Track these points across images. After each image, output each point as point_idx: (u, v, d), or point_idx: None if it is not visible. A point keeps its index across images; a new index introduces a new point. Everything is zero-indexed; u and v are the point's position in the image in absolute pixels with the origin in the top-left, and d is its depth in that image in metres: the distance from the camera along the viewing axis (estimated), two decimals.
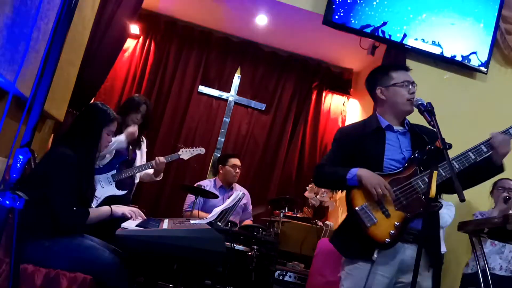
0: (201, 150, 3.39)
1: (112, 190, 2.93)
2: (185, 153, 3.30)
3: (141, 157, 3.19)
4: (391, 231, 1.75)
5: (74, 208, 1.99)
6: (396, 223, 1.77)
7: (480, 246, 2.42)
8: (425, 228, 1.72)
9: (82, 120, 2.19)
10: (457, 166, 1.81)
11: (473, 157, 1.82)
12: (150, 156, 3.35)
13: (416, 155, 1.88)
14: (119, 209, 2.17)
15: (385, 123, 1.96)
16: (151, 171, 3.17)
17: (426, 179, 1.78)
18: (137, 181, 3.22)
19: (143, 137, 3.29)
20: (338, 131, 2.11)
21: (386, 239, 1.74)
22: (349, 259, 1.88)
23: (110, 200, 2.89)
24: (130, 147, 3.11)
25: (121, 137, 2.93)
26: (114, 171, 2.96)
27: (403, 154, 1.91)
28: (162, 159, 3.10)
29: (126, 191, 3.03)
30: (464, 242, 3.34)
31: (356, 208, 1.80)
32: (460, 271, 3.22)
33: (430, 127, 1.96)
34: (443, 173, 1.80)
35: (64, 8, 1.39)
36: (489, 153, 1.83)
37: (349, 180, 1.84)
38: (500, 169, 1.87)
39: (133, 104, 3.11)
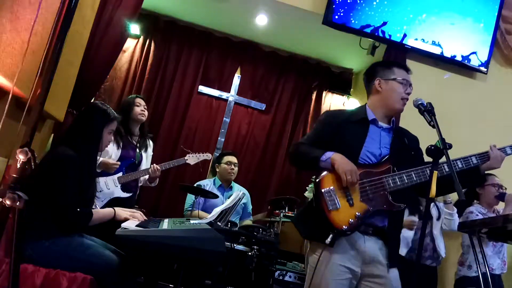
0: (208, 156, 3.40)
1: (117, 192, 2.95)
2: (191, 158, 3.31)
3: (146, 160, 3.20)
4: (351, 220, 1.78)
5: (78, 209, 1.99)
6: (357, 213, 1.79)
7: (480, 246, 2.42)
8: (390, 226, 1.84)
9: (82, 120, 2.19)
10: (415, 178, 1.84)
11: (460, 165, 1.87)
12: (152, 158, 3.34)
13: (394, 155, 1.91)
14: (122, 213, 2.18)
15: (372, 116, 1.98)
16: (147, 176, 3.18)
17: (397, 180, 1.83)
18: (140, 184, 3.23)
19: (150, 140, 3.29)
20: (324, 113, 2.12)
21: (344, 226, 1.77)
22: (309, 248, 1.91)
23: (115, 202, 2.91)
24: (138, 151, 3.11)
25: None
26: (120, 174, 2.98)
27: (381, 150, 1.93)
28: (157, 166, 3.09)
29: (131, 193, 3.05)
30: (456, 242, 3.36)
31: (323, 190, 1.81)
32: (452, 270, 3.23)
33: (413, 134, 2.05)
34: (414, 177, 1.83)
35: (64, 8, 1.39)
36: (478, 164, 1.88)
37: (322, 161, 1.84)
38: (483, 179, 1.91)
39: (127, 103, 3.13)
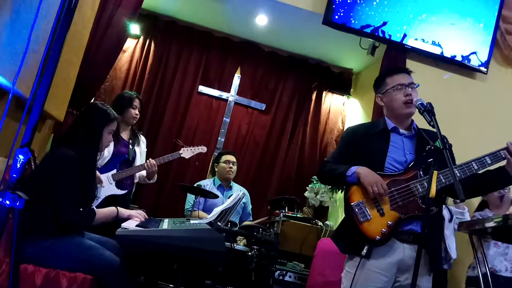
0: (203, 149, 3.36)
1: (112, 189, 2.92)
2: (186, 152, 3.27)
3: (140, 156, 3.17)
4: (383, 230, 1.80)
5: (81, 209, 1.99)
6: (389, 222, 1.81)
7: (481, 247, 2.42)
8: (424, 230, 1.75)
9: (82, 120, 2.19)
10: (458, 174, 1.83)
11: (458, 174, 1.84)
12: (150, 156, 3.33)
13: (419, 159, 1.90)
14: (125, 211, 2.18)
15: (391, 125, 2.00)
16: (144, 173, 3.14)
17: (425, 184, 1.82)
18: (136, 180, 3.20)
19: (142, 136, 3.27)
20: (346, 130, 2.17)
21: (377, 237, 1.79)
22: (348, 256, 1.94)
23: (110, 200, 2.88)
24: (131, 147, 3.09)
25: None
26: (114, 171, 2.95)
27: (406, 157, 1.94)
28: (153, 161, 3.04)
29: (126, 191, 3.02)
30: (469, 243, 3.33)
31: (352, 204, 1.85)
32: (465, 272, 3.22)
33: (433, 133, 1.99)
34: (443, 179, 1.82)
35: (64, 8, 1.39)
36: (493, 164, 1.86)
37: (349, 177, 1.88)
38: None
39: (125, 100, 3.07)
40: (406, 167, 1.91)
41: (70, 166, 1.98)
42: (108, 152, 2.93)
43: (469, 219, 3.10)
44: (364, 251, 1.79)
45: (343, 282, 1.91)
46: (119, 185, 2.96)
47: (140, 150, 3.18)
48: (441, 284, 3.13)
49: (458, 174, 1.83)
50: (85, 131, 2.12)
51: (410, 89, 1.97)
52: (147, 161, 3.05)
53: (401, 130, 2.00)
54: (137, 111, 3.10)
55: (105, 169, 2.92)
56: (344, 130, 2.20)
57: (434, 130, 1.73)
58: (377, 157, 1.93)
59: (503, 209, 3.07)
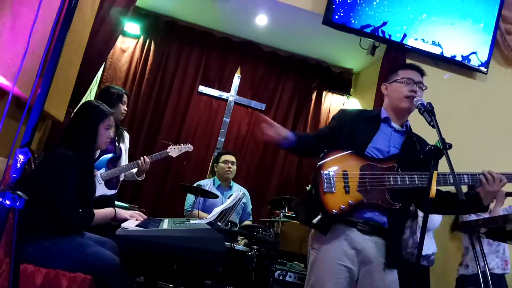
0: (189, 147, 3.36)
1: (102, 189, 2.85)
2: (173, 151, 3.26)
3: (125, 152, 3.13)
4: (342, 206, 1.77)
5: (80, 210, 1.99)
6: (350, 201, 1.79)
7: (480, 246, 2.42)
8: (390, 225, 1.83)
9: (76, 119, 2.19)
10: (417, 182, 1.82)
11: (451, 181, 1.80)
12: (140, 154, 3.31)
13: (402, 155, 1.90)
14: (124, 212, 2.18)
15: (384, 115, 2.00)
16: (134, 170, 3.10)
17: (399, 179, 1.82)
18: (121, 178, 3.14)
19: (126, 132, 3.21)
20: (339, 110, 2.16)
21: (334, 210, 1.76)
22: (310, 242, 1.93)
23: (99, 200, 2.81)
24: (117, 144, 3.06)
25: None
26: (103, 170, 2.88)
27: (389, 149, 1.93)
28: (147, 159, 3.03)
29: (115, 190, 2.98)
30: (455, 241, 3.34)
31: (322, 171, 1.82)
32: (451, 270, 3.22)
33: (428, 143, 1.99)
34: (416, 181, 1.81)
35: (64, 8, 1.39)
36: (468, 184, 1.84)
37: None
38: (485, 209, 1.88)
39: (114, 96, 2.99)
40: (387, 157, 1.90)
41: (68, 166, 1.98)
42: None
43: (436, 219, 3.10)
44: (316, 219, 1.76)
45: (308, 277, 1.88)
46: (108, 185, 2.90)
47: (125, 147, 3.15)
48: (423, 281, 3.12)
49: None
50: (80, 130, 2.12)
51: (417, 86, 1.97)
52: (141, 158, 3.03)
53: (393, 123, 1.99)
54: (125, 107, 3.05)
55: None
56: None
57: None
58: (361, 141, 1.92)
59: (497, 205, 3.07)
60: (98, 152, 2.86)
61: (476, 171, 1.84)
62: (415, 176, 1.82)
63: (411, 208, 3.06)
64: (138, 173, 3.11)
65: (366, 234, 1.83)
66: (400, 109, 1.98)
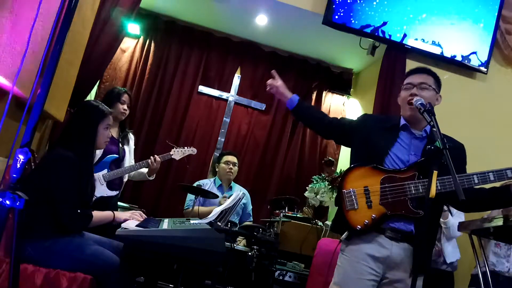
0: (193, 151, 3.36)
1: (103, 190, 2.87)
2: (177, 153, 3.27)
3: (129, 154, 3.14)
4: (366, 221, 1.82)
5: (79, 211, 1.99)
6: (373, 215, 1.83)
7: (481, 246, 2.42)
8: (418, 231, 1.83)
9: (76, 120, 2.18)
10: (476, 181, 1.81)
11: (492, 178, 1.81)
12: (144, 155, 3.32)
13: (423, 162, 1.87)
14: (122, 215, 2.18)
15: (403, 122, 1.99)
16: (145, 170, 3.12)
17: (420, 187, 1.82)
18: (125, 179, 3.15)
19: (131, 133, 3.24)
20: (363, 114, 2.21)
21: (358, 226, 1.83)
22: (342, 245, 1.97)
23: (101, 201, 2.84)
24: (121, 145, 3.06)
25: None
26: (105, 171, 2.89)
27: (409, 157, 1.92)
28: (158, 158, 3.05)
29: (117, 191, 2.99)
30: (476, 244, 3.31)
31: (344, 190, 1.88)
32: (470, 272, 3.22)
33: (457, 142, 2.00)
34: (439, 186, 1.78)
35: (64, 8, 1.39)
36: (495, 182, 1.82)
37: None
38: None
39: (113, 95, 3.03)
40: (406, 166, 1.90)
41: (67, 166, 1.98)
42: (98, 151, 2.90)
43: (455, 226, 3.10)
44: (343, 237, 1.87)
45: (335, 273, 1.93)
46: (110, 186, 2.91)
47: (129, 149, 3.15)
48: (448, 285, 3.13)
49: (476, 181, 1.80)
50: (79, 130, 2.12)
51: (418, 88, 1.94)
52: (151, 157, 3.05)
53: (412, 130, 1.97)
54: (125, 106, 3.05)
55: (95, 168, 2.86)
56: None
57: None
58: (379, 150, 1.93)
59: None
60: (101, 153, 2.88)
61: (502, 168, 1.82)
62: (437, 182, 1.76)
63: (444, 210, 3.05)
64: (149, 172, 3.14)
65: (395, 241, 1.85)
66: (406, 116, 1.98)
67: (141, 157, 3.40)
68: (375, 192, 1.85)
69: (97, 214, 2.10)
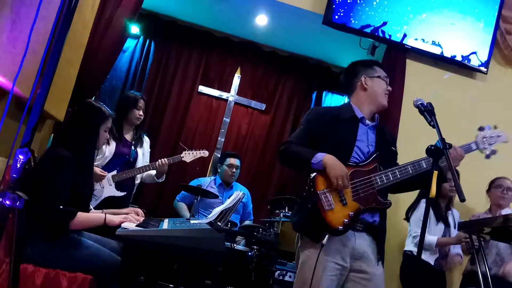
0: (204, 153, 3.33)
1: (111, 191, 2.90)
2: (187, 156, 3.26)
3: (143, 157, 3.15)
4: (345, 220, 1.81)
5: (61, 207, 1.94)
6: (350, 213, 1.83)
7: (480, 246, 2.42)
8: (382, 222, 1.92)
9: (77, 119, 2.15)
10: (398, 175, 1.90)
11: (410, 171, 1.90)
12: (151, 156, 3.32)
13: (379, 153, 1.96)
14: (114, 218, 2.09)
15: (360, 114, 2.02)
16: (153, 172, 3.12)
17: (384, 178, 1.89)
18: (137, 181, 3.17)
19: (146, 137, 3.26)
20: (311, 110, 2.12)
21: (339, 227, 1.80)
22: (300, 245, 1.95)
23: (109, 201, 2.87)
24: (133, 148, 3.08)
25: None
26: (114, 172, 2.93)
27: (368, 148, 1.98)
28: (165, 161, 3.04)
29: (125, 192, 3.00)
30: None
31: (318, 191, 1.84)
32: (461, 270, 3.22)
33: (390, 129, 2.13)
34: (398, 175, 1.89)
35: (64, 8, 1.39)
36: (427, 169, 1.88)
37: (314, 164, 1.86)
38: (444, 180, 2.00)
39: (130, 101, 3.04)
40: (368, 159, 1.94)
41: (63, 165, 1.96)
42: (109, 152, 2.91)
43: (458, 218, 3.13)
44: (325, 240, 1.78)
45: (301, 275, 1.88)
46: (119, 186, 2.93)
47: (143, 151, 3.16)
48: (439, 284, 3.12)
49: (399, 176, 1.90)
50: (81, 130, 2.09)
51: (389, 86, 2.08)
52: (159, 160, 3.04)
53: (367, 121, 2.02)
54: (141, 112, 3.07)
55: (105, 169, 2.88)
56: (309, 110, 2.16)
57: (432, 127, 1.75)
58: (346, 145, 1.93)
59: (505, 204, 3.07)
60: (111, 155, 2.92)
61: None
62: (396, 170, 1.90)
63: (443, 214, 3.10)
64: (157, 175, 3.14)
65: (357, 231, 1.88)
66: (381, 105, 2.05)
67: None
68: (346, 189, 1.85)
69: (84, 214, 2.03)
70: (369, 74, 2.09)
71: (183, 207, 3.78)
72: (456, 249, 3.10)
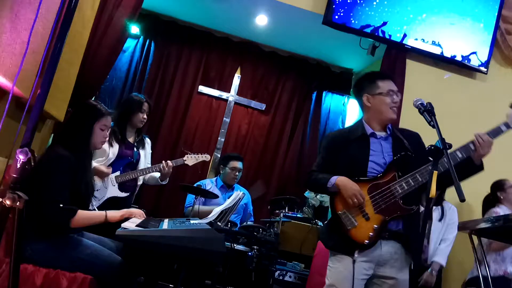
0: (206, 157, 3.35)
1: (114, 191, 2.91)
2: (190, 159, 3.28)
3: (145, 158, 3.16)
4: (370, 233, 1.88)
5: (61, 205, 1.94)
6: (375, 225, 1.89)
7: (480, 247, 2.41)
8: (406, 228, 1.93)
9: (73, 119, 2.18)
10: (420, 178, 1.91)
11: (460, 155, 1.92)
12: (152, 157, 3.32)
13: (395, 160, 1.98)
14: (115, 214, 2.10)
15: (370, 131, 2.06)
16: (157, 174, 3.13)
17: (404, 185, 1.91)
18: (140, 183, 3.17)
19: (148, 138, 3.26)
20: (324, 138, 2.24)
21: (365, 241, 1.88)
22: (330, 252, 2.02)
23: (112, 201, 2.88)
24: (135, 150, 3.09)
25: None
26: (118, 173, 2.94)
27: (385, 159, 2.01)
28: (170, 163, 3.05)
29: (128, 193, 3.02)
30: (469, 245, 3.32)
31: (339, 212, 1.95)
32: (462, 273, 3.21)
33: (411, 130, 2.12)
34: (420, 178, 1.90)
35: (64, 8, 1.39)
36: (463, 157, 1.92)
37: (330, 188, 1.98)
38: (480, 167, 1.97)
39: (134, 104, 3.04)
40: (384, 170, 1.97)
41: (61, 164, 1.97)
42: (112, 153, 2.92)
43: (456, 218, 3.13)
44: (356, 255, 1.87)
45: (329, 277, 1.97)
46: (121, 187, 2.95)
47: (145, 153, 3.17)
48: (435, 283, 3.11)
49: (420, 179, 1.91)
50: (75, 129, 2.11)
51: (396, 96, 2.07)
52: (163, 162, 3.05)
53: (378, 134, 2.06)
54: (145, 115, 3.07)
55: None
56: (324, 137, 2.25)
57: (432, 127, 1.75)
58: (360, 163, 2.00)
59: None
60: (114, 156, 2.92)
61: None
62: (417, 174, 1.91)
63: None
64: (161, 177, 3.14)
65: (383, 239, 1.92)
66: (387, 120, 2.06)
67: None
68: (367, 204, 1.92)
69: (85, 212, 2.04)
70: (370, 92, 2.09)
71: (202, 208, 3.66)
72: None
